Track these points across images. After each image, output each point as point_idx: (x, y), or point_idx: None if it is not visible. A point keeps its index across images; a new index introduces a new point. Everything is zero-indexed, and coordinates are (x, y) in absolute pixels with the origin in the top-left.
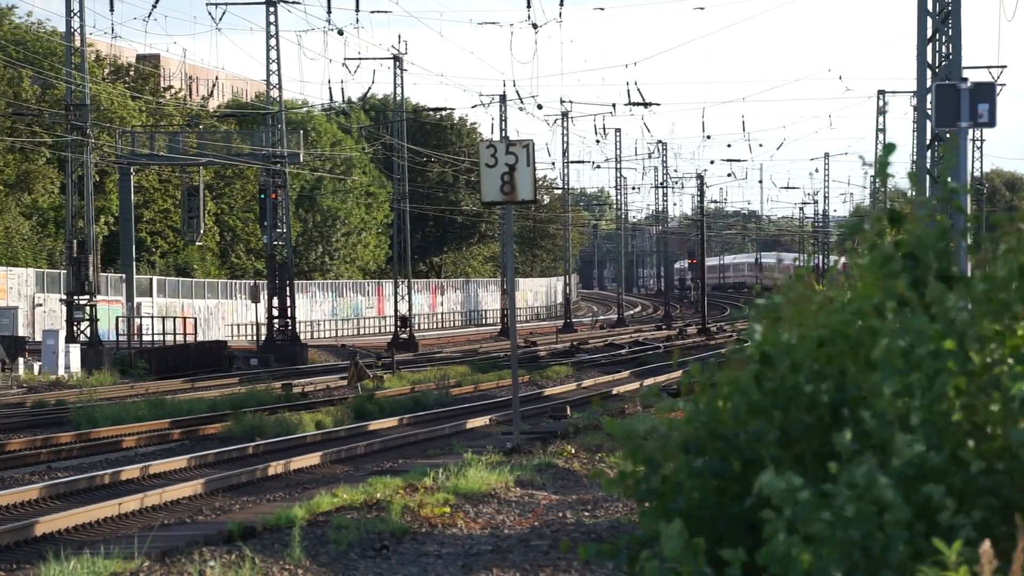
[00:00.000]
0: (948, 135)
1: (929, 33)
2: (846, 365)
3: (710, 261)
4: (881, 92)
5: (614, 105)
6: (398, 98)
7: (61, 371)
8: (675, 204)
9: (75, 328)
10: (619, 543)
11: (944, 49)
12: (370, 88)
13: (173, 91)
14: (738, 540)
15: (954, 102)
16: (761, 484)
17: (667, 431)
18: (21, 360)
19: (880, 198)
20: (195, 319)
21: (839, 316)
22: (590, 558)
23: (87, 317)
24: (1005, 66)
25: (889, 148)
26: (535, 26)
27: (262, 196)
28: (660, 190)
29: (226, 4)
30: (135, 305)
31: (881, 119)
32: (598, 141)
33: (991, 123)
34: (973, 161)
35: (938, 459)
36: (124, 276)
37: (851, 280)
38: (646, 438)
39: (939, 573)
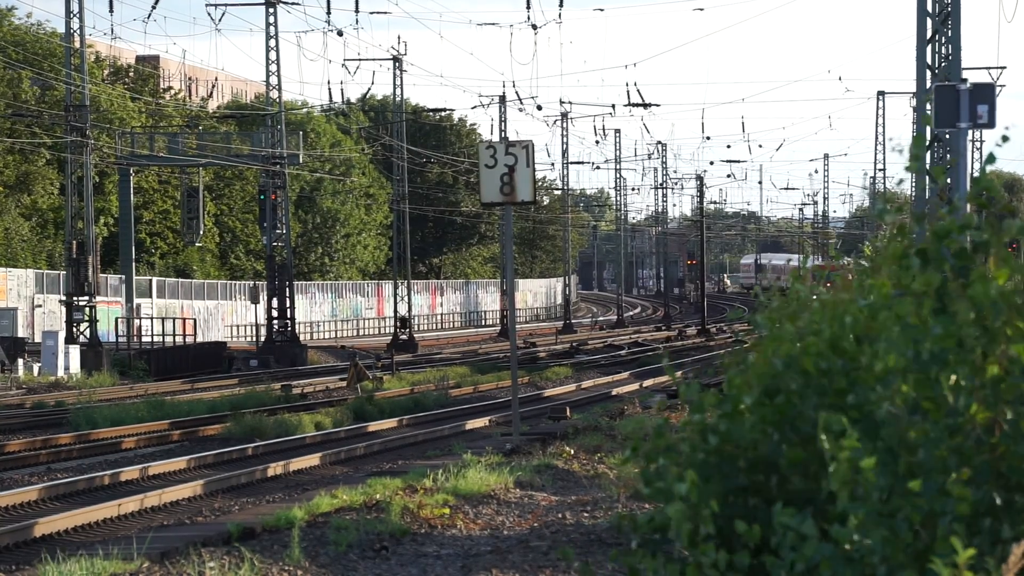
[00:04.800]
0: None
1: (929, 34)
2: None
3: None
4: (881, 93)
5: (614, 106)
6: (397, 99)
7: (60, 372)
8: (675, 205)
9: (75, 329)
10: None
11: (944, 50)
12: (369, 89)
13: (173, 92)
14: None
15: (954, 103)
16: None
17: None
18: (21, 361)
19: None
20: (195, 320)
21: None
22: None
23: (87, 318)
24: (1005, 67)
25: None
26: (535, 27)
27: (261, 197)
28: (660, 191)
29: (226, 5)
30: (135, 306)
31: (881, 120)
32: (598, 142)
33: (990, 124)
34: (973, 162)
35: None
36: (124, 277)
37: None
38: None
39: (952, 572)
